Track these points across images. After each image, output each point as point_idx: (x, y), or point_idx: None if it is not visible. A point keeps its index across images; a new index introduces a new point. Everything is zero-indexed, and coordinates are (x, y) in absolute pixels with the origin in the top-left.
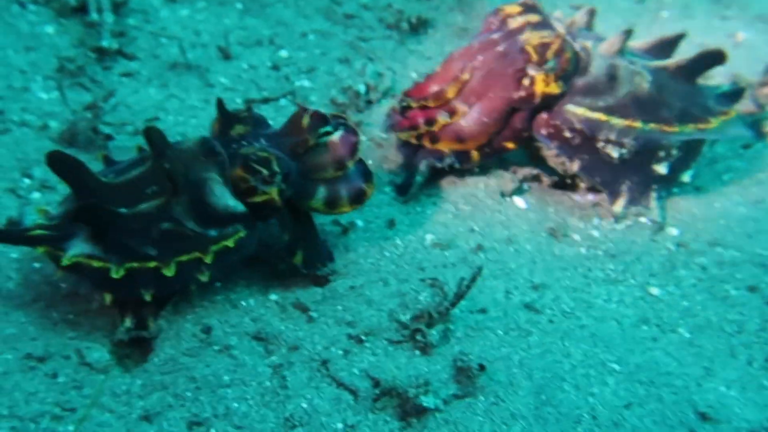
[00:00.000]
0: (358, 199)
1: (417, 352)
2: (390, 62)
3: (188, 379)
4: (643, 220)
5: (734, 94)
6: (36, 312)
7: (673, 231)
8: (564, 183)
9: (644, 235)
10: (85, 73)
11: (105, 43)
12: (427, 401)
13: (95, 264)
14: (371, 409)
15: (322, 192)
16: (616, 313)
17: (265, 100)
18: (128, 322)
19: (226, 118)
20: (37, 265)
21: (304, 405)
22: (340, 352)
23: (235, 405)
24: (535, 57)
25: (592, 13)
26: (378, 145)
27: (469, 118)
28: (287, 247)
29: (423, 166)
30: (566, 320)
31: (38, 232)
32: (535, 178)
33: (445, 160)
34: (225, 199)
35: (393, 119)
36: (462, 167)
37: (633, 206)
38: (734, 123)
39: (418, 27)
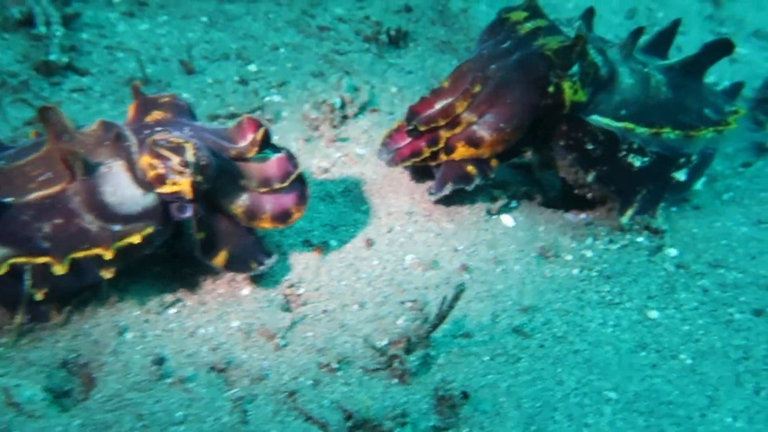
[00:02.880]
0: (282, 218)
1: (394, 381)
2: (368, 76)
3: (135, 417)
4: (640, 239)
5: (734, 90)
6: None
7: (672, 251)
8: (562, 201)
9: (641, 256)
10: (30, 89)
11: (53, 57)
12: None
13: None
14: None
15: (244, 199)
16: (612, 337)
17: (232, 116)
18: (18, 318)
19: (143, 102)
20: None
21: None
22: (310, 382)
23: None
24: (558, 62)
25: (592, 13)
26: (354, 161)
27: (484, 124)
28: (203, 246)
29: (448, 190)
30: (558, 345)
31: None
32: (525, 196)
33: (475, 181)
34: (123, 196)
35: (392, 150)
36: (486, 180)
37: (640, 216)
38: (745, 122)
39: (398, 40)
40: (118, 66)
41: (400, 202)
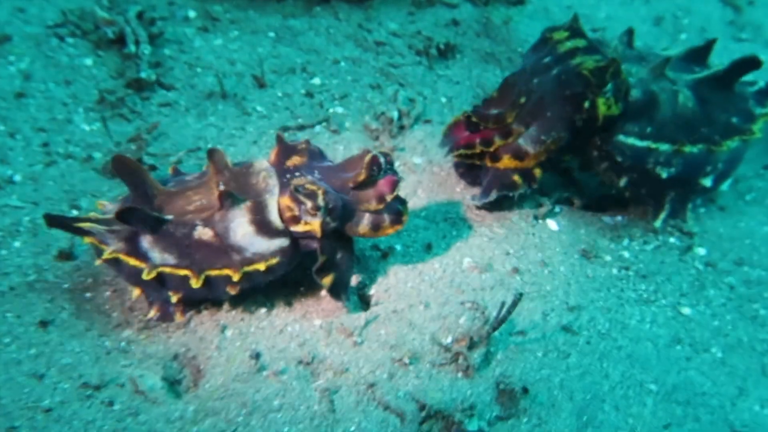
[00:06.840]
0: (398, 220)
1: (459, 375)
2: (420, 88)
3: (239, 405)
4: (671, 240)
5: None
6: (89, 341)
7: (700, 251)
8: (599, 203)
9: (673, 255)
10: (125, 104)
11: (144, 75)
12: (472, 424)
13: (131, 262)
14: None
15: (367, 218)
16: (650, 333)
17: (301, 128)
18: (152, 313)
19: (283, 149)
20: (88, 295)
21: (353, 428)
22: (385, 375)
23: (286, 430)
24: (593, 81)
25: (630, 34)
26: (411, 170)
27: (527, 137)
28: (321, 267)
29: (493, 196)
30: (603, 341)
31: (87, 224)
32: (567, 201)
33: (519, 189)
34: (242, 237)
35: (450, 138)
36: (531, 190)
37: (672, 219)
38: None
39: (447, 53)
40: (198, 81)
41: (455, 209)
